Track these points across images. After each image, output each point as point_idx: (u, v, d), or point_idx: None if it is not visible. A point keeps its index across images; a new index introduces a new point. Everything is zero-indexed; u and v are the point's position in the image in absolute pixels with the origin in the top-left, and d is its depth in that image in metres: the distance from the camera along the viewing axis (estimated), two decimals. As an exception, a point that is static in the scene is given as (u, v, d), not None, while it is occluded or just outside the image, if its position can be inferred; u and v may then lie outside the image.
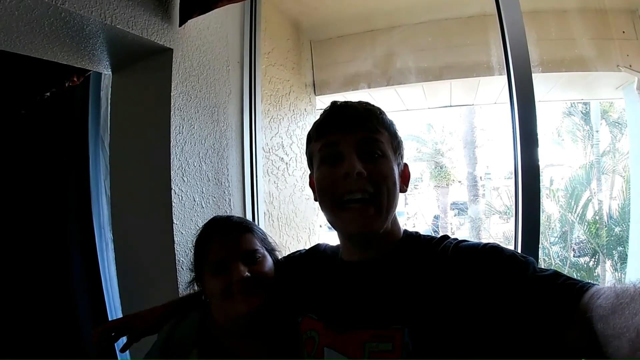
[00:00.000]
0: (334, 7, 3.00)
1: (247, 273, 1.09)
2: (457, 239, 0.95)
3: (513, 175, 1.77)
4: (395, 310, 0.87)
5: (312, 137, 1.05)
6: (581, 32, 2.85)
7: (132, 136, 1.91)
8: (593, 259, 6.13)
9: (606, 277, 5.90)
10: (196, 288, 1.26)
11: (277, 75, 2.83)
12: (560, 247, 6.64)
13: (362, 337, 0.88)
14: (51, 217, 2.11)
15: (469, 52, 3.01)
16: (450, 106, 4.49)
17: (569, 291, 0.72)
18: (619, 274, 5.60)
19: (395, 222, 1.01)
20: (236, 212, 2.14)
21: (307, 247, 1.30)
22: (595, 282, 0.74)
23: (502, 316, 0.78)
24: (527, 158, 1.70)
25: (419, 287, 0.88)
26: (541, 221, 1.71)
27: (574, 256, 6.55)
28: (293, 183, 2.92)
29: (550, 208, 6.62)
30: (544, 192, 6.80)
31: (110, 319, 2.11)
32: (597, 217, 6.45)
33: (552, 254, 6.54)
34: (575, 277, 0.78)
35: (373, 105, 1.02)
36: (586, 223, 6.21)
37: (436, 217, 10.26)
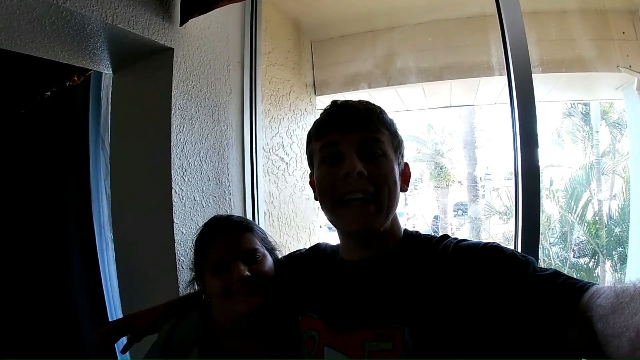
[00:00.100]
0: (335, 7, 3.01)
1: (247, 272, 1.09)
2: (457, 238, 0.95)
3: (513, 176, 1.77)
4: (395, 310, 0.87)
5: (312, 137, 1.05)
6: (581, 33, 2.85)
7: (132, 135, 1.91)
8: (593, 260, 6.14)
9: (606, 278, 5.90)
10: (196, 287, 1.26)
11: (277, 75, 2.84)
12: (560, 248, 6.64)
13: (362, 337, 0.88)
14: (51, 217, 2.11)
15: (469, 52, 3.02)
16: (450, 106, 4.49)
17: (569, 291, 0.72)
18: (619, 274, 5.61)
19: (395, 222, 1.01)
20: (236, 212, 2.14)
21: (307, 247, 1.30)
22: (595, 282, 0.74)
23: (502, 315, 0.78)
24: (527, 158, 1.70)
25: (419, 287, 0.88)
26: (541, 222, 1.71)
27: (573, 257, 6.55)
28: (293, 183, 2.92)
29: (550, 209, 6.63)
30: (543, 193, 6.80)
31: (110, 319, 2.11)
32: (596, 218, 6.46)
33: (552, 255, 6.54)
34: (575, 277, 0.78)
35: (373, 105, 1.02)
36: (586, 224, 6.21)
37: (436, 218, 10.26)
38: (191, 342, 1.14)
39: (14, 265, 1.96)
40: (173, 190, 1.73)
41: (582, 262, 6.36)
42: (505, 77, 1.83)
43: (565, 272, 0.79)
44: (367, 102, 1.02)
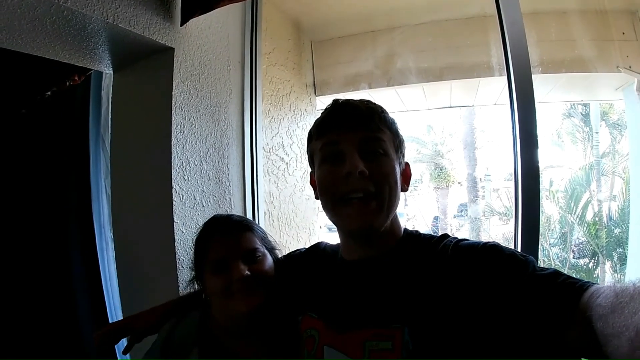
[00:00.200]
0: (335, 7, 3.01)
1: (247, 272, 1.09)
2: (456, 237, 0.95)
3: (513, 177, 1.77)
4: (395, 309, 0.87)
5: (313, 135, 1.05)
6: (581, 33, 2.85)
7: (133, 135, 1.92)
8: (593, 260, 6.13)
9: (606, 279, 5.89)
10: (196, 287, 1.26)
11: (277, 75, 2.84)
12: (559, 249, 6.64)
13: (362, 336, 0.88)
14: (51, 216, 2.11)
15: (469, 52, 3.02)
16: (450, 107, 4.49)
17: (568, 290, 0.72)
18: (619, 275, 5.60)
19: (396, 221, 1.01)
20: (236, 212, 2.14)
21: (307, 246, 1.30)
22: (595, 282, 0.74)
23: (502, 315, 0.78)
24: (527, 159, 1.70)
25: (419, 286, 0.88)
26: (541, 222, 1.71)
27: (573, 257, 6.55)
28: (293, 183, 2.92)
29: (550, 209, 6.62)
30: (543, 194, 6.80)
31: (110, 319, 2.12)
32: (596, 219, 6.45)
33: (551, 255, 6.54)
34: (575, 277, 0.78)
35: (375, 104, 1.02)
36: (586, 224, 6.21)
37: (436, 219, 10.26)
38: (191, 342, 1.13)
39: (14, 265, 1.96)
40: (173, 190, 1.73)
41: (582, 263, 6.36)
42: (505, 78, 1.83)
43: (565, 273, 0.79)
44: (369, 102, 1.02)
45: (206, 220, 1.26)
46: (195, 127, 1.87)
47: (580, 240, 6.48)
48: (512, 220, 1.79)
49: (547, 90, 3.52)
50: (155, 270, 1.79)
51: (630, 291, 0.62)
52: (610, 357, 0.60)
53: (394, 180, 0.95)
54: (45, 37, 1.50)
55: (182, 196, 1.78)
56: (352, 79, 3.36)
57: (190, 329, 1.17)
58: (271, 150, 2.67)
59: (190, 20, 1.76)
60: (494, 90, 3.83)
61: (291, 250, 1.33)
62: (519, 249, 1.65)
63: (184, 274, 1.73)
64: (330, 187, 0.96)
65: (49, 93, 2.04)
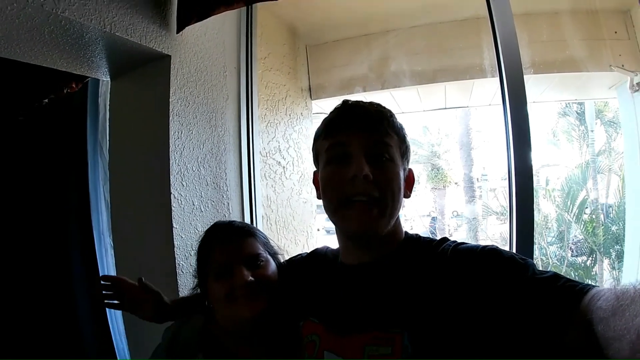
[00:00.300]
0: (329, 12, 3.02)
1: (250, 277, 1.08)
2: (455, 241, 0.95)
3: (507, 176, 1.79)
4: (394, 314, 0.87)
5: (320, 135, 1.03)
6: (573, 33, 2.86)
7: (131, 142, 1.93)
8: (590, 258, 6.13)
9: (604, 276, 5.90)
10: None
11: (273, 80, 2.85)
12: (557, 247, 6.64)
13: (362, 340, 0.88)
14: (51, 223, 2.12)
15: (462, 55, 3.03)
16: (445, 108, 4.50)
17: (569, 293, 0.72)
18: (616, 272, 5.61)
19: (398, 226, 1.00)
20: (235, 216, 2.16)
21: (307, 251, 1.29)
22: (595, 284, 0.73)
23: (502, 319, 0.78)
24: (521, 159, 1.71)
25: (418, 290, 0.87)
26: (538, 221, 1.72)
27: (571, 255, 6.54)
28: (290, 187, 2.93)
29: (546, 208, 6.63)
30: (540, 193, 6.83)
31: (110, 324, 2.11)
32: (593, 216, 6.46)
33: (549, 254, 6.54)
34: (573, 276, 0.78)
35: (384, 107, 1.00)
36: (583, 222, 6.21)
37: (433, 219, 10.24)
38: (195, 346, 1.13)
39: (14, 271, 1.96)
40: (172, 196, 1.74)
41: (580, 261, 6.35)
42: (497, 79, 1.85)
43: (563, 271, 0.79)
44: (378, 105, 1.01)
45: (205, 225, 1.26)
46: (192, 133, 1.88)
47: (578, 238, 6.47)
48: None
49: (540, 90, 3.53)
50: (154, 275, 1.78)
51: (631, 294, 0.62)
52: None
53: (397, 187, 0.94)
54: (43, 46, 1.51)
55: (181, 202, 1.79)
56: (347, 83, 3.37)
57: (194, 333, 1.17)
58: (268, 155, 2.68)
59: (186, 28, 1.77)
60: (488, 91, 3.84)
61: (292, 255, 1.32)
62: (514, 248, 1.67)
63: (184, 278, 1.74)
64: (334, 188, 0.95)
65: (46, 100, 2.04)
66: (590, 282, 0.75)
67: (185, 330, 1.19)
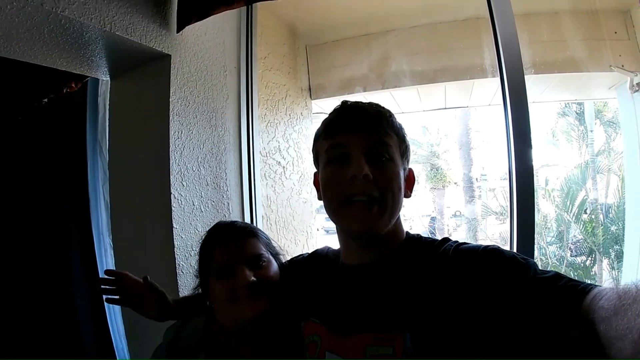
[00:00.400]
0: (329, 11, 3.02)
1: (253, 278, 1.08)
2: (457, 241, 0.95)
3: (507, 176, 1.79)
4: (395, 314, 0.87)
5: (320, 136, 1.03)
6: (573, 34, 2.87)
7: (131, 142, 1.93)
8: (590, 258, 6.14)
9: (603, 276, 5.90)
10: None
11: (273, 80, 2.85)
12: (557, 247, 6.64)
13: (363, 341, 0.88)
14: (50, 223, 2.11)
15: (463, 54, 3.03)
16: (445, 108, 4.50)
17: (570, 293, 0.72)
18: (616, 272, 5.61)
19: (399, 226, 1.01)
20: (235, 216, 2.15)
21: (307, 251, 1.29)
22: (597, 284, 0.73)
23: (503, 319, 0.77)
24: (521, 158, 1.71)
25: (419, 291, 0.87)
26: (537, 221, 1.72)
27: (570, 255, 6.55)
28: (290, 186, 2.93)
29: (546, 208, 6.63)
30: (540, 193, 6.82)
31: (110, 324, 2.11)
32: (593, 216, 6.47)
33: (549, 254, 6.54)
34: (572, 276, 0.77)
35: (383, 108, 1.01)
36: (582, 222, 6.22)
37: (433, 219, 10.24)
38: (197, 347, 1.13)
39: (13, 271, 1.96)
40: (172, 196, 1.74)
41: (579, 261, 6.36)
42: (498, 79, 1.85)
43: (563, 271, 0.79)
44: (377, 105, 1.01)
45: (205, 225, 1.27)
46: (192, 133, 1.88)
47: (577, 238, 6.48)
48: (508, 220, 1.80)
49: (540, 90, 3.54)
50: (154, 275, 1.77)
51: (633, 293, 0.61)
52: None
53: (397, 186, 0.94)
54: (42, 46, 1.51)
55: (181, 202, 1.79)
56: (347, 83, 3.37)
57: (195, 333, 1.17)
58: (268, 155, 2.68)
59: (187, 27, 1.77)
60: (488, 91, 3.84)
61: (293, 256, 1.32)
62: (515, 247, 1.67)
63: (184, 279, 1.74)
64: (334, 188, 0.95)
65: (45, 100, 2.04)
66: (590, 282, 0.75)
67: (187, 331, 1.18)
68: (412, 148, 1.06)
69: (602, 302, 0.65)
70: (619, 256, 5.56)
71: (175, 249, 1.73)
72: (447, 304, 0.83)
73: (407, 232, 1.04)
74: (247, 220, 2.26)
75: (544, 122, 7.57)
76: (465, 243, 0.93)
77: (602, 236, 5.99)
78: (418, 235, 1.03)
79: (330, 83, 3.44)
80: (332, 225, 1.04)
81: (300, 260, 1.27)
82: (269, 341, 1.13)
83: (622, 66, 2.87)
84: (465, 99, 4.24)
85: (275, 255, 1.23)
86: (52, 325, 2.00)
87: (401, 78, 3.23)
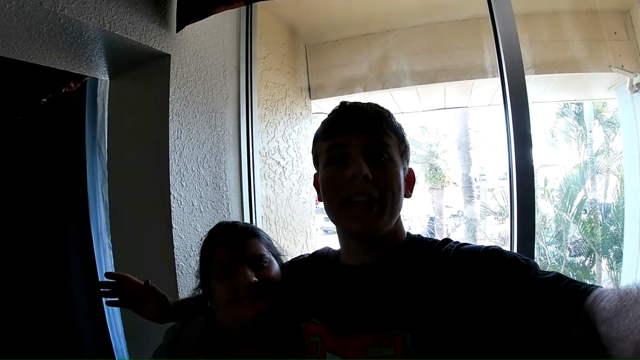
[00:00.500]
0: (329, 11, 3.02)
1: (254, 278, 1.08)
2: (458, 242, 0.94)
3: (507, 176, 1.78)
4: (396, 315, 0.87)
5: (319, 137, 1.03)
6: (573, 34, 2.87)
7: (130, 141, 1.92)
8: (589, 258, 6.15)
9: (602, 276, 5.91)
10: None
11: (273, 80, 2.85)
12: (555, 247, 6.65)
13: (364, 341, 0.88)
14: (48, 223, 2.10)
15: (462, 55, 3.03)
16: (445, 108, 4.50)
17: (572, 294, 0.72)
18: (615, 272, 5.62)
19: (399, 226, 1.01)
20: (234, 216, 2.15)
21: (307, 251, 1.29)
22: (598, 285, 0.73)
23: (505, 320, 0.77)
24: (522, 158, 1.71)
25: (420, 291, 0.87)
26: (536, 221, 1.72)
27: (569, 255, 6.56)
28: (290, 187, 2.93)
29: (545, 208, 6.63)
30: (538, 193, 6.83)
31: (109, 325, 2.10)
32: (592, 216, 6.47)
33: (547, 254, 6.55)
34: (571, 276, 0.77)
35: (382, 108, 1.01)
36: (581, 222, 6.23)
37: (432, 219, 10.25)
38: (197, 347, 1.13)
39: (12, 271, 1.95)
40: (172, 196, 1.74)
41: (578, 261, 6.37)
42: (498, 79, 1.84)
43: (562, 271, 0.79)
44: (376, 105, 1.01)
45: (204, 226, 1.26)
46: (192, 132, 1.87)
47: (576, 238, 6.49)
48: (507, 220, 1.80)
49: (540, 90, 3.54)
50: (154, 276, 1.76)
51: (635, 294, 0.61)
52: None
53: (397, 186, 0.94)
54: (41, 45, 1.50)
55: (180, 202, 1.78)
56: (347, 83, 3.37)
57: (196, 334, 1.17)
58: (267, 155, 2.68)
59: (186, 27, 1.77)
60: (488, 91, 3.85)
61: (295, 256, 1.32)
62: (515, 247, 1.67)
63: (183, 279, 1.74)
64: (334, 189, 0.95)
65: (44, 100, 2.03)
66: (590, 283, 0.74)
67: (188, 332, 1.18)
68: (411, 148, 1.06)
69: (604, 303, 0.65)
70: (618, 256, 5.57)
71: (174, 249, 1.73)
72: (448, 304, 0.83)
73: (408, 233, 1.04)
74: (247, 220, 2.26)
75: (543, 123, 7.59)
76: (466, 244, 0.93)
77: (601, 236, 5.99)
78: (419, 235, 1.03)
79: (330, 83, 3.44)
80: (331, 226, 1.04)
81: (300, 261, 1.27)
82: (269, 342, 1.13)
83: (622, 66, 2.87)
84: (465, 99, 4.24)
85: (277, 255, 1.22)
86: (51, 326, 2.00)
87: (401, 78, 3.23)
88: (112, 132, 2.02)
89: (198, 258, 1.23)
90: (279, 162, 2.80)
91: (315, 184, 1.08)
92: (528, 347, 0.76)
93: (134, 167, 1.89)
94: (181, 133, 1.81)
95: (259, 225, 2.36)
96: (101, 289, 1.32)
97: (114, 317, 2.12)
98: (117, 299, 1.31)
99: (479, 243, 0.96)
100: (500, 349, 0.78)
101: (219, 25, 2.08)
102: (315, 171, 1.09)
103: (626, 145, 3.37)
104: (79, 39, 1.51)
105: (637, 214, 3.17)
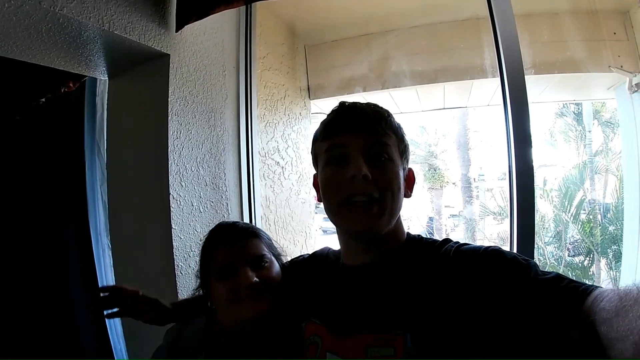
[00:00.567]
0: (329, 11, 3.02)
1: (255, 278, 1.08)
2: (458, 242, 0.94)
3: (506, 176, 1.78)
4: (396, 315, 0.87)
5: (319, 137, 1.03)
6: (573, 34, 2.88)
7: (129, 141, 1.92)
8: (588, 258, 6.15)
9: (601, 276, 5.91)
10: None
11: (272, 80, 2.85)
12: (554, 247, 6.65)
13: (364, 341, 0.88)
14: (47, 223, 2.10)
15: (462, 55, 3.04)
16: (444, 109, 4.50)
17: (572, 294, 0.72)
18: (614, 272, 5.63)
19: (399, 226, 1.01)
20: (233, 217, 2.15)
21: (306, 251, 1.29)
22: (598, 285, 0.73)
23: (505, 320, 0.77)
24: (521, 159, 1.71)
25: (420, 291, 0.87)
26: (535, 221, 1.72)
27: (568, 255, 6.56)
28: (289, 187, 2.93)
29: (544, 208, 6.63)
30: (537, 193, 6.83)
31: (108, 326, 2.10)
32: (591, 216, 6.48)
33: (546, 254, 6.55)
34: (570, 276, 0.77)
35: (381, 108, 1.01)
36: (580, 222, 6.23)
37: (431, 219, 10.25)
38: (197, 348, 1.13)
39: (11, 272, 1.95)
40: (171, 196, 1.73)
41: (577, 261, 6.38)
42: (497, 79, 1.84)
43: (561, 271, 0.79)
44: (375, 105, 1.01)
45: (204, 226, 1.26)
46: (191, 132, 1.87)
47: (575, 238, 6.49)
48: (506, 220, 1.80)
49: (540, 91, 3.54)
50: (153, 276, 1.78)
51: (634, 294, 0.61)
52: None
53: (397, 186, 0.94)
54: (40, 45, 1.50)
55: (180, 202, 1.78)
56: (346, 83, 3.37)
57: (196, 334, 1.17)
58: (267, 155, 2.68)
59: (185, 27, 1.76)
60: (487, 92, 3.85)
61: (293, 256, 1.32)
62: (514, 248, 1.67)
63: (183, 280, 1.73)
64: (334, 189, 0.95)
65: (43, 100, 2.03)
66: (590, 283, 0.74)
67: (188, 332, 1.18)
68: (410, 148, 1.06)
69: (603, 303, 0.65)
70: (617, 256, 5.57)
71: (174, 249, 1.72)
72: (448, 304, 0.83)
73: (408, 233, 1.04)
74: (246, 220, 2.25)
75: (542, 123, 7.59)
76: (466, 244, 0.93)
77: (600, 236, 6.00)
78: (419, 235, 1.03)
79: (330, 83, 3.44)
80: (330, 226, 1.04)
81: (300, 261, 1.27)
82: (269, 342, 1.13)
83: (621, 67, 2.87)
84: (464, 100, 4.24)
85: (277, 256, 1.22)
86: (50, 326, 2.00)
87: (401, 78, 3.23)
88: (111, 132, 2.02)
89: (198, 258, 1.23)
90: (278, 162, 2.80)
91: (315, 184, 1.08)
92: (528, 347, 0.76)
93: (133, 167, 1.89)
94: (180, 133, 1.81)
95: (258, 226, 2.35)
96: (102, 303, 1.31)
97: (113, 319, 2.12)
98: (116, 310, 1.31)
99: (479, 243, 0.96)
100: (500, 349, 0.78)
101: (219, 25, 2.08)
102: (314, 171, 1.09)
103: (625, 145, 3.38)
104: (78, 39, 1.51)
105: (636, 214, 3.17)
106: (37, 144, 2.13)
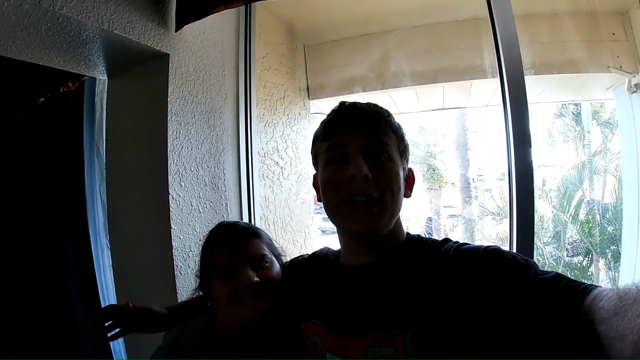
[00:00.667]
0: (328, 11, 3.01)
1: (256, 278, 1.08)
2: (458, 242, 0.95)
3: (506, 177, 1.79)
4: (396, 315, 0.87)
5: (319, 137, 1.03)
6: (572, 35, 2.88)
7: (128, 141, 1.91)
8: (586, 258, 6.17)
9: (600, 276, 5.93)
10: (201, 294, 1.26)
11: (271, 80, 2.84)
12: (553, 247, 6.66)
13: (364, 341, 0.88)
14: (46, 224, 2.10)
15: (462, 55, 3.04)
16: (443, 109, 4.50)
17: (571, 293, 0.72)
18: (613, 272, 5.64)
19: (399, 226, 1.00)
20: (233, 217, 2.15)
21: (306, 251, 1.29)
22: (597, 284, 0.73)
23: (504, 319, 0.77)
24: (521, 159, 1.71)
25: (420, 291, 0.87)
26: (534, 221, 1.72)
27: (567, 256, 6.57)
28: (288, 187, 2.92)
29: (543, 208, 6.64)
30: (536, 193, 6.83)
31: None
32: (589, 217, 6.49)
33: (545, 254, 6.56)
34: (569, 276, 0.78)
35: (381, 108, 1.01)
36: (579, 223, 6.24)
37: (429, 219, 10.26)
38: (197, 348, 1.13)
39: (9, 272, 1.95)
40: (170, 196, 1.73)
41: (576, 261, 6.39)
42: (497, 80, 1.85)
43: (560, 271, 0.78)
44: (375, 105, 1.01)
45: (203, 226, 1.26)
46: (191, 132, 1.87)
47: (574, 239, 6.50)
48: (505, 220, 1.80)
49: (539, 91, 3.54)
50: (152, 277, 1.78)
51: (634, 294, 0.61)
52: None
53: (397, 186, 0.94)
54: (40, 44, 1.50)
55: (179, 202, 1.78)
56: (346, 83, 3.36)
57: (196, 335, 1.16)
58: (266, 155, 2.67)
59: (185, 26, 1.76)
60: (486, 92, 3.85)
61: (293, 257, 1.32)
62: (514, 248, 1.67)
63: (182, 280, 1.73)
64: (333, 189, 0.95)
65: (42, 99, 2.03)
66: (590, 283, 0.74)
67: (188, 332, 1.18)
68: (410, 148, 1.06)
69: (603, 302, 0.65)
70: (616, 256, 5.59)
71: (173, 249, 1.72)
72: (448, 304, 0.83)
73: (408, 233, 1.04)
74: (245, 220, 2.25)
75: (541, 123, 7.61)
76: (465, 243, 0.93)
77: (599, 236, 6.01)
78: (418, 235, 1.03)
79: (329, 83, 3.44)
80: (329, 226, 1.04)
81: (300, 261, 1.26)
82: (269, 342, 1.13)
83: (620, 67, 2.88)
84: (463, 100, 4.25)
85: (278, 256, 1.22)
86: (49, 326, 1.99)
87: (401, 78, 3.23)
88: (111, 131, 2.02)
89: (197, 258, 1.23)
90: (277, 163, 2.80)
91: (315, 184, 1.08)
92: (528, 347, 0.76)
93: (132, 167, 1.88)
94: (180, 133, 1.80)
95: (258, 226, 2.35)
96: (103, 329, 1.29)
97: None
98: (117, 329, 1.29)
99: (479, 243, 0.96)
100: (500, 348, 0.78)
101: (218, 25, 2.07)
102: (314, 171, 1.09)
103: (624, 146, 3.38)
104: (78, 38, 1.51)
105: (635, 214, 3.18)
106: (36, 144, 2.13)
